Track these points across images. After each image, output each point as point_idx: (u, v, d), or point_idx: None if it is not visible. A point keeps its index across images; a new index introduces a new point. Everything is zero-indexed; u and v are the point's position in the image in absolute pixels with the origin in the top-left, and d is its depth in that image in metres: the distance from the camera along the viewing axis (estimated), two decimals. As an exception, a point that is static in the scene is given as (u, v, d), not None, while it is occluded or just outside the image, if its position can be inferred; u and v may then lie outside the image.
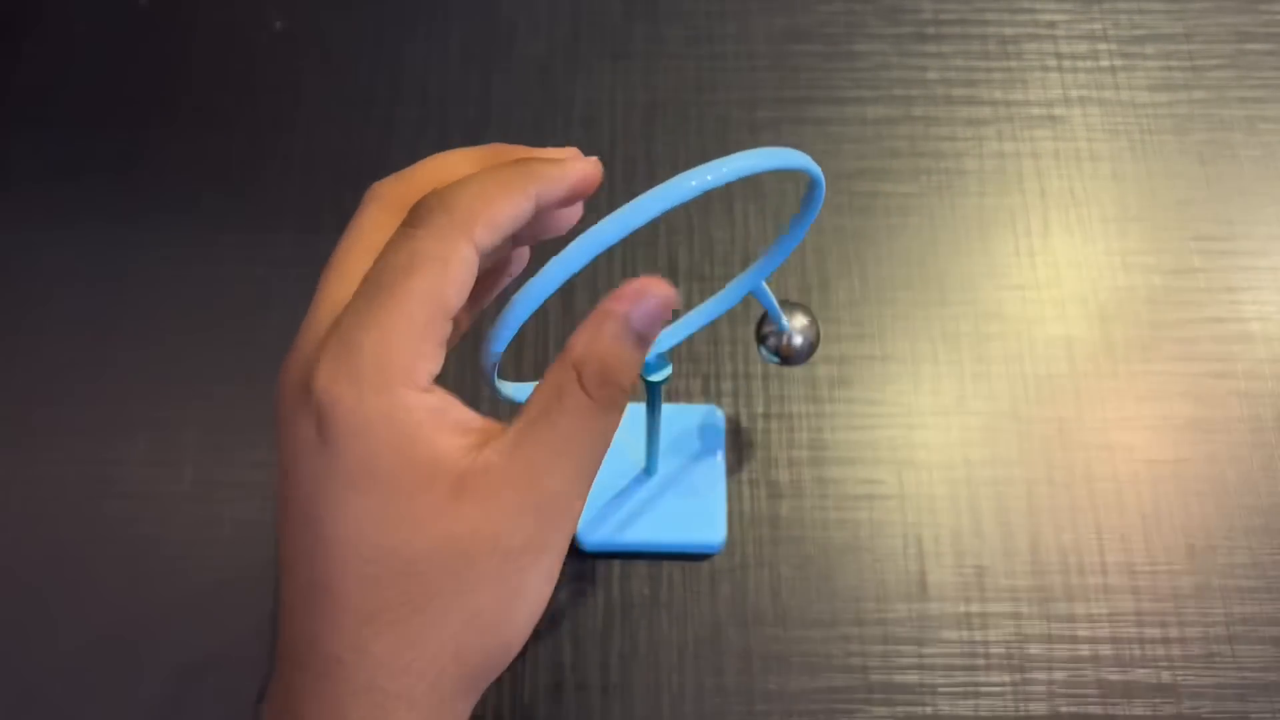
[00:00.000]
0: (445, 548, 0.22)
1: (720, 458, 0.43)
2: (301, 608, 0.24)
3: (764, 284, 0.31)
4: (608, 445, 0.24)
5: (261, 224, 0.49)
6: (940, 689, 0.40)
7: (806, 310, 0.38)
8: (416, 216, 0.23)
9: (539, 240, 0.28)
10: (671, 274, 0.48)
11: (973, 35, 0.54)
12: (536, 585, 0.24)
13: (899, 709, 0.40)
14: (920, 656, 0.41)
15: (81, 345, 0.47)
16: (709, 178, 0.22)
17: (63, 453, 0.45)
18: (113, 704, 0.41)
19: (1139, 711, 0.40)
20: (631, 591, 0.42)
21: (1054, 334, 0.47)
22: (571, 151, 0.26)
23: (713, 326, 0.47)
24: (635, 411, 0.44)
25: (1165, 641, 0.41)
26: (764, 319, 0.37)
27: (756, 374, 0.46)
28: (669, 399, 0.45)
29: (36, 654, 0.41)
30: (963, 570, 0.43)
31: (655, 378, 0.33)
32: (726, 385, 0.46)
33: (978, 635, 0.41)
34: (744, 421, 0.45)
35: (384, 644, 0.23)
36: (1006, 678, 0.41)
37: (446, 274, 0.23)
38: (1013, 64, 0.53)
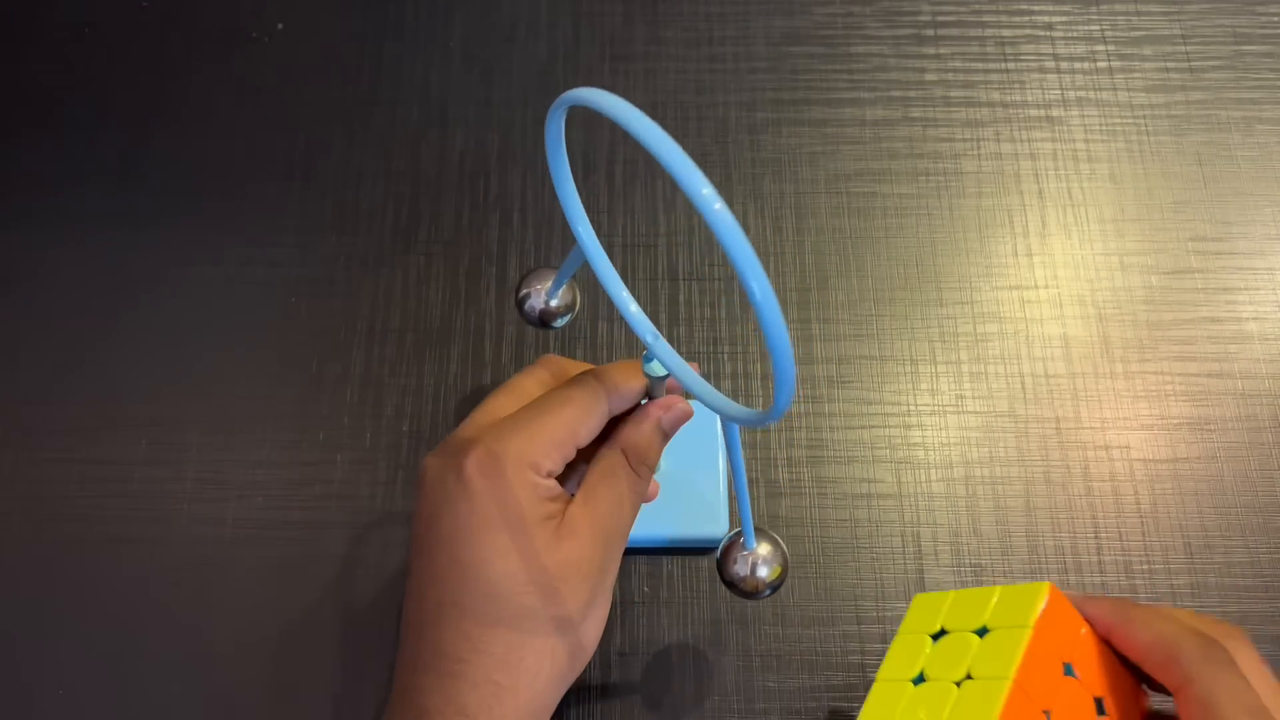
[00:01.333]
0: (548, 572, 0.31)
1: (720, 457, 0.43)
2: (431, 623, 0.31)
3: (739, 446, 0.31)
4: (642, 500, 0.34)
5: (262, 224, 0.49)
6: (939, 687, 0.41)
7: (774, 540, 0.35)
8: (577, 380, 0.33)
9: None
10: (672, 276, 0.48)
11: (971, 37, 0.54)
12: (603, 597, 0.33)
13: (898, 707, 0.40)
14: (919, 655, 0.41)
15: (82, 345, 0.47)
16: (725, 232, 0.21)
17: (63, 453, 0.45)
18: (112, 703, 0.41)
19: (1136, 709, 0.40)
20: (632, 589, 0.42)
21: (1051, 334, 0.47)
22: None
23: (713, 325, 0.47)
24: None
25: (1162, 640, 0.41)
26: (736, 540, 0.35)
27: (756, 374, 0.46)
28: (668, 398, 0.46)
29: (36, 654, 0.41)
30: (960, 569, 0.43)
31: (657, 374, 0.33)
32: (726, 385, 0.46)
33: (976, 634, 0.41)
34: (743, 421, 0.45)
35: (501, 644, 0.30)
36: (1005, 676, 0.41)
37: (586, 416, 0.33)
38: (1010, 65, 0.53)
